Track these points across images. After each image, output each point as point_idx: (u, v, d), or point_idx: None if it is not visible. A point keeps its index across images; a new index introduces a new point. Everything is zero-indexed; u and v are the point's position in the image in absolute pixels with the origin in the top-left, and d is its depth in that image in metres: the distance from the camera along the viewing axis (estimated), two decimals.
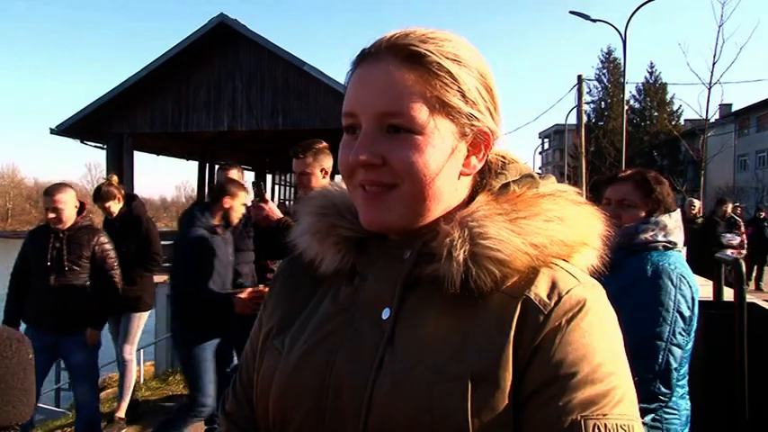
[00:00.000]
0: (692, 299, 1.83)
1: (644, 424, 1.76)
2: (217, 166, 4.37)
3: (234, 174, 4.06)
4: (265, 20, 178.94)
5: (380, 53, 0.70)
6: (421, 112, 0.67)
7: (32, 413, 0.46)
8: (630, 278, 1.86)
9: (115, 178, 4.72)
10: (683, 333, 1.80)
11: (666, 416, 1.86)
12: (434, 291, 0.69)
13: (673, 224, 1.95)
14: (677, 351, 1.78)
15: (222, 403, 0.88)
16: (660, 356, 1.77)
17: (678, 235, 1.96)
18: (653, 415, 1.79)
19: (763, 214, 12.92)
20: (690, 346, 1.89)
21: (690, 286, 1.83)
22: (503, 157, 0.79)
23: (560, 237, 0.70)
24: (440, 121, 0.69)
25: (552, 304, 0.66)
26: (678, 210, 2.02)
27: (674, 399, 1.86)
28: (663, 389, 1.78)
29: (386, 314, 0.71)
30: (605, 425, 0.61)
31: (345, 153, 0.71)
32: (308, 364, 0.73)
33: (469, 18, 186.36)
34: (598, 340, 0.65)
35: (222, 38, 11.70)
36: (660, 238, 1.93)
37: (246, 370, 0.85)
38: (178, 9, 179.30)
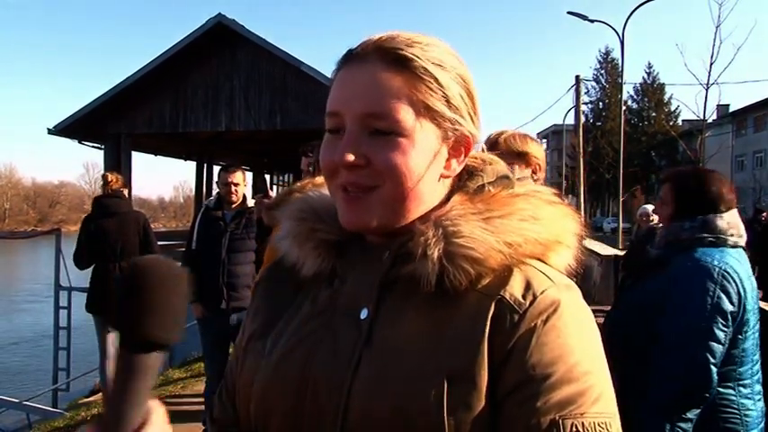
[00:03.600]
0: (740, 294, 1.82)
1: (687, 420, 1.76)
2: (219, 168, 4.38)
3: (238, 176, 4.09)
4: (263, 20, 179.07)
5: (367, 55, 0.70)
6: (406, 114, 0.68)
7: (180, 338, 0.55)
8: (673, 275, 1.90)
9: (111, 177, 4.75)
10: (723, 328, 1.78)
11: (725, 415, 1.84)
12: (412, 290, 0.69)
13: (722, 223, 1.94)
14: (716, 347, 1.77)
15: (210, 410, 0.89)
16: (697, 352, 1.76)
17: (733, 233, 1.95)
18: (697, 410, 1.77)
19: (765, 215, 12.94)
20: (748, 344, 1.88)
21: (736, 282, 1.82)
22: (481, 159, 0.80)
23: (534, 236, 0.70)
24: (424, 124, 0.69)
25: (527, 304, 0.66)
26: (734, 210, 2.01)
27: (735, 398, 1.85)
28: (701, 384, 1.76)
29: (364, 314, 0.71)
30: (583, 423, 0.61)
31: (329, 152, 0.72)
32: (288, 365, 0.73)
33: (468, 18, 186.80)
34: (574, 339, 0.65)
35: (220, 38, 11.70)
36: (705, 235, 1.93)
37: (231, 375, 0.85)
38: (178, 10, 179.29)
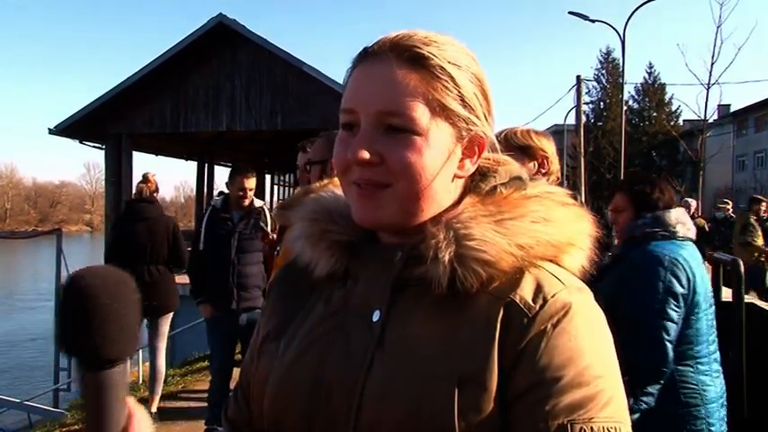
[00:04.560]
0: (689, 279, 2.04)
1: (649, 394, 1.94)
2: (231, 169, 4.42)
3: (252, 181, 4.13)
4: (263, 19, 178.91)
5: (383, 52, 0.70)
6: (421, 113, 0.68)
7: (138, 348, 0.51)
8: (629, 266, 2.13)
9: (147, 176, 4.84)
10: (676, 309, 2.00)
11: (685, 390, 2.02)
12: (423, 293, 0.69)
13: (670, 217, 2.17)
14: (671, 325, 1.99)
15: (225, 410, 0.89)
16: (652, 331, 1.97)
17: (681, 227, 2.16)
18: (658, 386, 1.96)
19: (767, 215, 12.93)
20: (701, 324, 2.07)
21: (685, 269, 2.04)
22: (494, 160, 0.80)
23: (546, 238, 0.70)
24: (439, 123, 0.69)
25: (537, 308, 0.66)
26: (680, 208, 2.24)
27: (693, 375, 2.04)
28: (658, 359, 1.96)
29: (376, 316, 0.71)
30: (592, 428, 0.61)
31: (342, 149, 0.72)
32: (301, 366, 0.73)
33: (468, 18, 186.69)
34: (585, 343, 0.65)
35: (221, 38, 11.70)
36: (657, 229, 2.15)
37: (246, 375, 0.86)
38: (179, 10, 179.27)
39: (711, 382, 2.06)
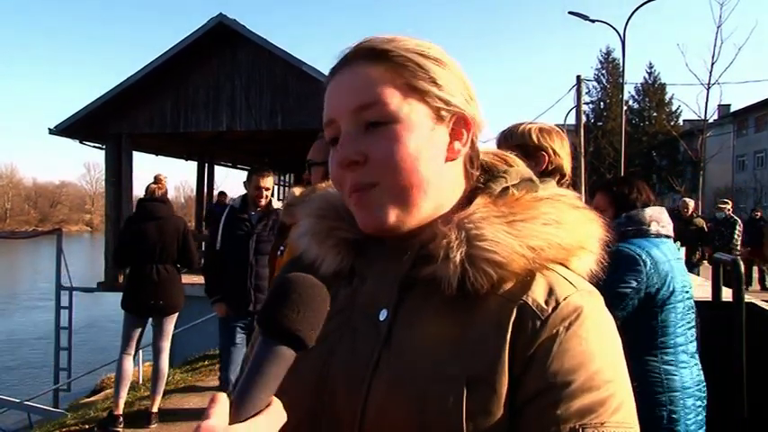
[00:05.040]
0: (648, 275, 2.13)
1: None
2: (249, 169, 4.43)
3: (269, 180, 4.14)
4: (264, 18, 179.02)
5: (347, 61, 0.72)
6: (392, 98, 0.69)
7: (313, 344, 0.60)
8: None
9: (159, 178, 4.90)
10: (617, 298, 2.10)
11: (650, 379, 2.10)
12: (432, 292, 0.69)
13: (644, 216, 2.26)
14: None
15: None
16: None
17: (654, 225, 2.25)
18: None
19: (759, 214, 13.02)
20: (667, 316, 2.15)
21: (647, 265, 2.13)
22: (504, 160, 0.80)
23: (558, 240, 0.70)
24: (413, 104, 0.70)
25: (549, 310, 0.65)
26: (657, 207, 2.33)
27: (657, 364, 2.13)
28: None
29: (383, 315, 0.71)
30: None
31: (331, 162, 0.73)
32: (306, 365, 0.72)
33: (468, 16, 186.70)
34: (596, 347, 0.65)
35: (221, 38, 11.69)
36: (630, 227, 2.24)
37: None
38: (180, 9, 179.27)
39: (676, 372, 2.12)
